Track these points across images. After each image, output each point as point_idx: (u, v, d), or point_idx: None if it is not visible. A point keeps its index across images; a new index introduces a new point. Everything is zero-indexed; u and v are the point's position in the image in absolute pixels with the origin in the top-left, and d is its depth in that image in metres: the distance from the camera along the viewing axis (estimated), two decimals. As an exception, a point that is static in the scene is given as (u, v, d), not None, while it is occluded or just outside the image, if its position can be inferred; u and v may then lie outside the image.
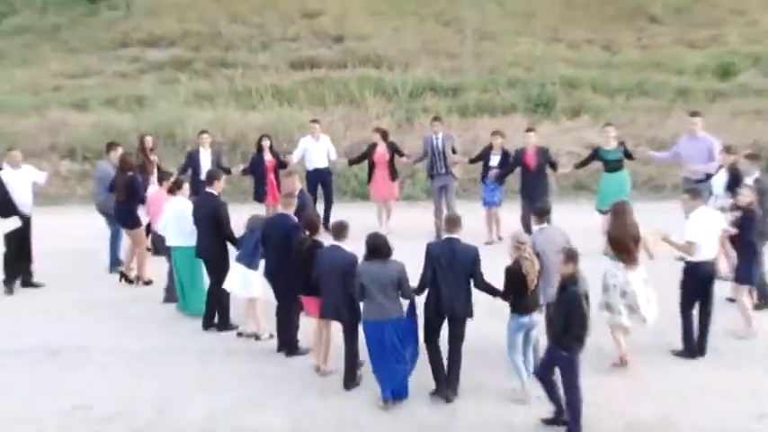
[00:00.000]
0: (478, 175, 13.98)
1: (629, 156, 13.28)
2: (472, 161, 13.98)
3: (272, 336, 10.04)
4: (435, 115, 14.89)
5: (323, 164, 14.13)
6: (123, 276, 12.22)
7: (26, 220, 12.04)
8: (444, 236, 8.73)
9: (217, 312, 10.58)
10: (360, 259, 8.65)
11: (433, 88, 19.38)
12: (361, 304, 8.62)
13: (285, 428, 8.33)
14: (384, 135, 14.00)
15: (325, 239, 9.35)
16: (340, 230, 8.87)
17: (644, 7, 22.37)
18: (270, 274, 9.69)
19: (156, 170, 12.73)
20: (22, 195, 11.95)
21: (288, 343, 9.80)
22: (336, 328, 9.16)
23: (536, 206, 9.52)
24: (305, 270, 8.97)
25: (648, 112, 18.26)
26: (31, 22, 22.37)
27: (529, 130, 13.64)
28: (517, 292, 8.31)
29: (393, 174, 13.91)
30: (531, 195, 12.73)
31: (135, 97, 19.09)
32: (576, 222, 12.00)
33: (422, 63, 20.40)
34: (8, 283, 12.17)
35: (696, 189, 10.12)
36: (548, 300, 8.69)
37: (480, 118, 17.93)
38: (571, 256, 7.91)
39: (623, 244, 9.03)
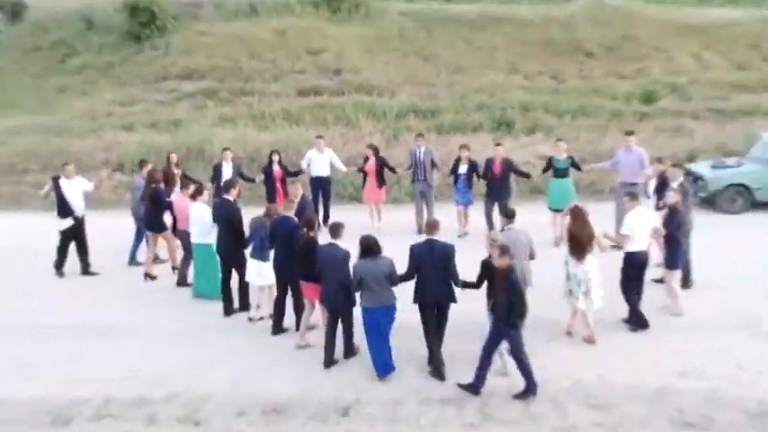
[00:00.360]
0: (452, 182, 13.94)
1: (576, 166, 13.34)
2: (451, 173, 13.84)
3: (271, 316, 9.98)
4: (419, 132, 14.98)
5: (325, 173, 14.12)
6: (148, 276, 12.02)
7: (80, 221, 12.16)
8: (425, 237, 8.63)
9: (237, 298, 10.52)
10: (352, 254, 8.63)
11: (414, 111, 19.32)
12: (357, 295, 8.60)
13: (295, 393, 8.32)
14: (375, 150, 14.01)
15: (325, 236, 9.29)
16: (336, 230, 8.83)
17: (583, 45, 22.38)
18: (278, 265, 9.60)
19: (179, 181, 12.55)
20: (75, 200, 12.06)
21: (280, 324, 9.80)
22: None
23: (505, 210, 9.45)
24: (304, 260, 8.96)
25: (589, 130, 18.25)
26: (89, 61, 22.29)
27: (497, 144, 13.74)
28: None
29: (381, 182, 13.88)
30: (496, 197, 12.97)
31: (172, 121, 19.01)
32: (534, 220, 12.06)
33: (405, 91, 20.37)
34: (59, 267, 12.24)
35: (634, 192, 10.21)
36: None
37: (454, 135, 17.86)
38: (504, 249, 7.93)
39: (580, 243, 9.07)
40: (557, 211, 12.81)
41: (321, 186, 14.17)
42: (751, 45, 22.43)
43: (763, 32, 22.81)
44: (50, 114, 19.75)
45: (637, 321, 9.64)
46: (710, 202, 14.87)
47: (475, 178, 13.47)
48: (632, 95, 19.99)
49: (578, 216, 9.18)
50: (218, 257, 10.61)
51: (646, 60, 21.84)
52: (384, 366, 8.56)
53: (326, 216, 14.01)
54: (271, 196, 13.41)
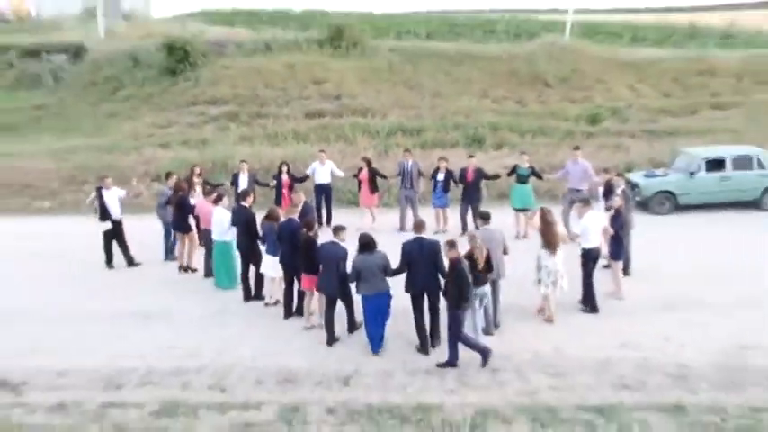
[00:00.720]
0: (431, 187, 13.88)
1: (537, 175, 13.38)
2: (430, 179, 13.76)
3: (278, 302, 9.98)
4: (406, 148, 14.97)
5: (326, 180, 14.02)
6: (183, 268, 11.86)
7: (117, 223, 12.13)
8: (414, 235, 8.56)
9: (253, 287, 10.46)
10: (348, 252, 8.63)
11: (402, 130, 19.26)
12: (353, 285, 8.61)
13: (304, 366, 8.33)
14: (368, 162, 13.89)
15: (328, 235, 9.24)
16: (337, 230, 8.83)
17: (541, 77, 22.40)
18: (284, 261, 9.47)
19: (202, 188, 12.49)
20: (112, 207, 12.07)
21: (290, 309, 9.75)
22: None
23: (481, 213, 9.37)
24: (305, 256, 8.93)
25: (546, 146, 18.26)
26: (134, 92, 22.21)
27: (470, 156, 13.71)
28: (472, 271, 8.14)
29: (373, 188, 13.76)
30: (469, 200, 13.05)
31: (200, 139, 18.91)
32: (503, 220, 11.96)
33: (394, 113, 20.31)
34: (108, 262, 12.23)
35: (587, 199, 10.28)
36: (494, 277, 8.77)
37: (435, 150, 17.82)
38: (452, 244, 7.97)
39: (551, 240, 9.13)
40: (518, 210, 13.11)
41: (323, 192, 14.10)
42: (674, 79, 22.56)
43: (683, 68, 22.95)
44: (102, 136, 19.66)
45: (591, 306, 9.66)
46: (644, 206, 14.91)
47: (452, 184, 13.41)
48: (581, 118, 20.03)
49: (547, 217, 9.18)
50: (235, 253, 10.64)
51: (591, 90, 21.90)
52: (378, 343, 8.55)
53: (329, 218, 13.96)
54: (278, 200, 13.27)
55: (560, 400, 7.39)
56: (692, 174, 14.73)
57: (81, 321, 9.74)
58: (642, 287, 10.36)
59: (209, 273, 11.27)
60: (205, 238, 11.33)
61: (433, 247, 8.34)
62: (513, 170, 13.41)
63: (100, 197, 12.01)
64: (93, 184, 16.42)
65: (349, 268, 8.58)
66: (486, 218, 9.11)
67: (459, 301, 7.80)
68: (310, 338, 9.03)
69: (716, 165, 14.78)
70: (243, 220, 10.29)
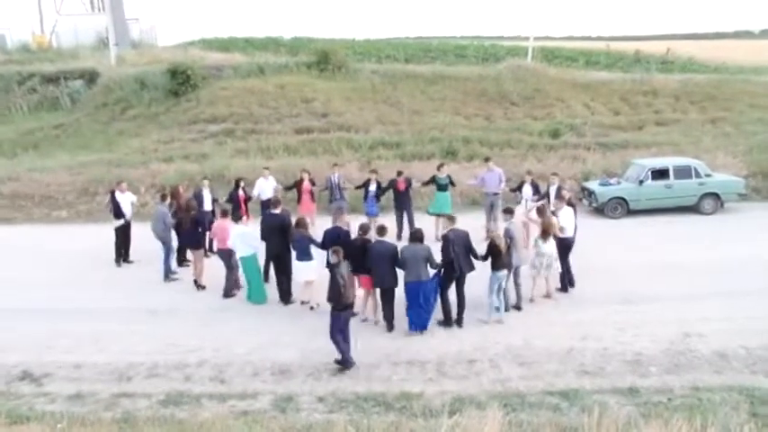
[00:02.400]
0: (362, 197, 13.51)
1: (452, 183, 13.43)
2: (358, 188, 13.44)
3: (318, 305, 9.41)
4: (335, 162, 14.45)
5: (271, 195, 13.05)
6: (201, 286, 10.88)
7: (128, 223, 12.25)
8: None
9: (284, 290, 10.04)
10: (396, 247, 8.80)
11: (383, 144, 19.12)
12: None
13: (297, 359, 8.26)
14: (308, 174, 13.49)
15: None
16: (381, 230, 8.88)
17: (507, 95, 22.43)
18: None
19: (213, 207, 12.22)
20: (125, 208, 12.23)
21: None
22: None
23: (506, 208, 9.74)
24: (361, 258, 8.72)
25: (513, 157, 18.21)
26: (141, 112, 21.86)
27: (399, 173, 13.36)
28: (495, 258, 8.73)
29: (313, 198, 13.46)
30: (402, 207, 13.10)
31: (200, 154, 18.64)
32: (470, 225, 11.95)
33: (376, 129, 20.19)
34: (117, 260, 12.24)
35: (568, 197, 10.70)
36: (517, 264, 9.31)
37: (413, 162, 17.77)
38: (335, 250, 8.03)
39: (548, 229, 9.49)
40: (436, 215, 12.94)
41: (269, 206, 12.88)
42: (622, 98, 22.76)
43: (630, 89, 23.21)
44: (113, 152, 19.35)
45: (569, 281, 10.09)
46: (599, 211, 15.02)
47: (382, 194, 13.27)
48: (543, 132, 20.05)
49: (544, 211, 9.69)
50: (259, 266, 10.03)
51: (552, 107, 22.00)
52: (418, 325, 8.63)
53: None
54: (237, 216, 11.77)
55: (529, 387, 7.40)
56: (641, 182, 14.86)
57: (93, 318, 9.60)
58: (601, 284, 10.41)
59: (229, 293, 10.38)
60: (225, 259, 10.34)
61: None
62: (431, 180, 13.38)
63: (113, 198, 12.18)
64: (105, 195, 16.25)
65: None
66: (510, 212, 9.48)
67: (336, 304, 7.75)
68: (303, 334, 8.92)
69: (661, 174, 14.92)
70: (278, 225, 9.80)
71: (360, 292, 8.99)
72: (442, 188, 13.25)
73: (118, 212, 12.17)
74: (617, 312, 9.37)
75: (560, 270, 10.00)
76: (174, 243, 11.48)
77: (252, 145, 19.16)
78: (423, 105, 21.74)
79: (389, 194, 13.44)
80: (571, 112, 21.69)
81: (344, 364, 7.87)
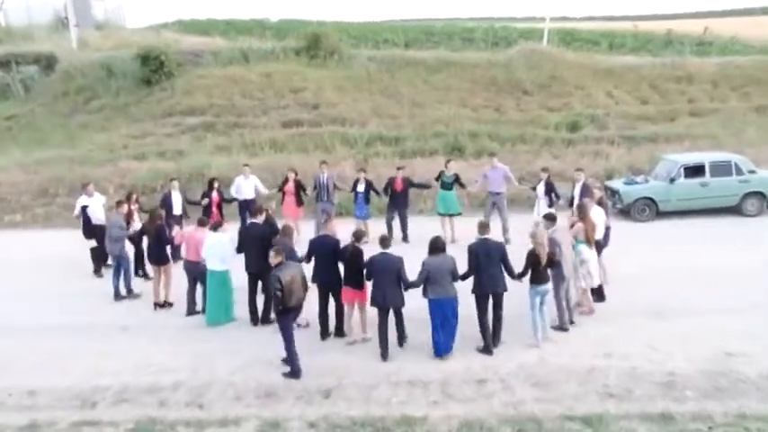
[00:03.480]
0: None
1: (460, 183, 13.60)
2: (352, 191, 13.59)
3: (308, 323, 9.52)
4: (323, 160, 14.45)
5: (250, 196, 13.46)
6: (159, 305, 10.66)
7: (101, 228, 11.99)
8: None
9: (266, 309, 9.82)
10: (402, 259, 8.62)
11: (381, 139, 19.20)
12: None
13: (284, 379, 8.21)
14: (295, 174, 13.58)
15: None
16: (384, 241, 8.67)
17: (519, 84, 22.44)
18: (318, 277, 9.09)
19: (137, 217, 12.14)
20: (96, 212, 12.30)
21: (326, 327, 9.39)
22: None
23: (548, 214, 9.89)
24: (351, 269, 8.78)
25: (526, 153, 18.32)
26: (108, 102, 21.84)
27: (399, 168, 13.70)
28: (532, 270, 8.67)
29: (299, 201, 13.51)
30: (396, 208, 13.29)
31: (177, 150, 18.68)
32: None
33: (373, 122, 20.23)
34: (97, 270, 12.30)
35: (603, 198, 10.81)
36: (566, 275, 9.23)
37: (415, 159, 17.87)
38: (276, 251, 8.17)
39: (592, 234, 9.51)
40: (443, 215, 13.31)
41: (248, 209, 13.06)
42: (651, 85, 22.77)
43: (660, 75, 23.17)
44: (75, 148, 19.30)
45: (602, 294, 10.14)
46: (625, 213, 15.02)
47: (374, 195, 13.51)
48: (560, 125, 20.10)
49: (585, 214, 9.65)
50: (230, 283, 9.86)
51: (570, 96, 22.01)
52: (444, 348, 8.52)
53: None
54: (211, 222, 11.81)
55: (545, 411, 7.34)
56: (672, 180, 14.88)
57: (54, 336, 9.53)
58: (626, 295, 10.37)
59: (192, 310, 10.25)
60: (190, 270, 10.23)
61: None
62: (439, 177, 13.62)
63: (85, 215, 12.20)
64: (66, 197, 16.34)
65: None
66: (553, 219, 9.51)
67: (273, 308, 8.03)
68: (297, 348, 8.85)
69: (695, 171, 14.93)
70: (259, 237, 9.58)
71: (349, 311, 9.04)
72: (446, 187, 13.39)
73: (89, 229, 12.08)
74: (645, 326, 9.33)
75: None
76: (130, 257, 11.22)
77: (235, 140, 19.18)
78: (425, 96, 21.77)
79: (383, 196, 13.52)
80: (592, 101, 21.71)
81: (293, 374, 8.14)
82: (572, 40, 30.23)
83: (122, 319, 10.14)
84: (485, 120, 20.51)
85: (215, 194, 13.00)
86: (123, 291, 11.10)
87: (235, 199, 13.49)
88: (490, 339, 8.67)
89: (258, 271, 9.59)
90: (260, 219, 10.05)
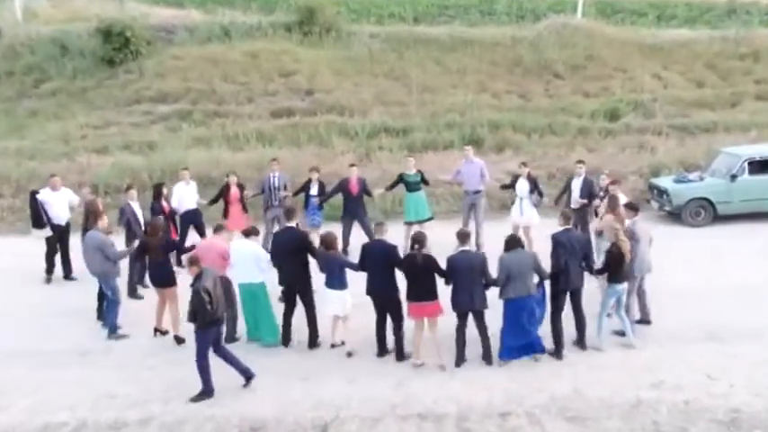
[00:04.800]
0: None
1: (425, 181, 13.64)
2: (296, 193, 13.49)
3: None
4: (273, 157, 14.27)
5: (193, 205, 13.23)
6: (158, 331, 10.37)
7: (64, 228, 12.39)
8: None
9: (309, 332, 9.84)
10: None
11: (386, 130, 19.17)
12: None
13: (272, 412, 8.20)
14: (237, 177, 13.41)
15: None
16: (464, 237, 9.18)
17: (549, 65, 22.43)
18: (373, 290, 9.26)
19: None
20: (59, 211, 12.33)
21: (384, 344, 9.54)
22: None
23: (630, 204, 10.45)
24: (423, 278, 8.92)
25: (557, 146, 18.31)
26: (63, 86, 21.85)
27: (352, 165, 13.74)
28: (614, 267, 9.08)
29: (245, 208, 13.32)
30: (353, 215, 13.18)
31: (147, 143, 18.69)
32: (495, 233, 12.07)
33: (377, 110, 20.23)
34: (48, 273, 12.49)
35: (635, 204, 10.75)
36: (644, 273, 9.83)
37: (426, 153, 17.84)
38: (191, 260, 8.46)
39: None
40: (411, 223, 13.19)
41: (191, 221, 13.03)
42: (708, 64, 22.71)
43: (720, 52, 23.08)
44: (23, 138, 19.33)
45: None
46: (675, 216, 14.98)
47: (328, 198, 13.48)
48: (597, 113, 20.07)
49: (615, 203, 10.27)
50: (268, 297, 9.83)
51: (609, 80, 21.99)
52: (521, 351, 8.99)
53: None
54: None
55: (583, 451, 7.34)
56: (733, 177, 14.86)
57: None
58: (677, 314, 10.34)
59: (232, 336, 9.97)
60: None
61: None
62: (399, 179, 13.53)
63: (33, 200, 12.21)
64: (11, 197, 16.44)
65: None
66: (634, 209, 10.06)
67: (198, 322, 8.24)
68: (281, 378, 8.90)
69: (762, 166, 14.91)
70: (295, 244, 9.59)
71: (419, 328, 9.10)
72: (413, 188, 13.36)
73: (38, 219, 12.23)
74: (701, 352, 9.30)
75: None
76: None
77: (215, 132, 19.23)
78: (437, 80, 21.79)
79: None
80: (636, 85, 21.70)
81: (206, 395, 8.46)
82: (612, 11, 30.05)
83: (82, 343, 10.13)
84: (507, 107, 20.51)
85: (165, 203, 12.42)
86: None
87: (175, 212, 12.78)
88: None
89: (294, 283, 9.72)
90: (293, 222, 9.97)
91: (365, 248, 9.58)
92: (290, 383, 8.77)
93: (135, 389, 8.76)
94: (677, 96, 21.03)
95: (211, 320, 8.33)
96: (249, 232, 10.00)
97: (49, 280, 12.52)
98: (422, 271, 8.88)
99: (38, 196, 12.35)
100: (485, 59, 22.70)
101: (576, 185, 12.58)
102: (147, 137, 19.15)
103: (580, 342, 9.41)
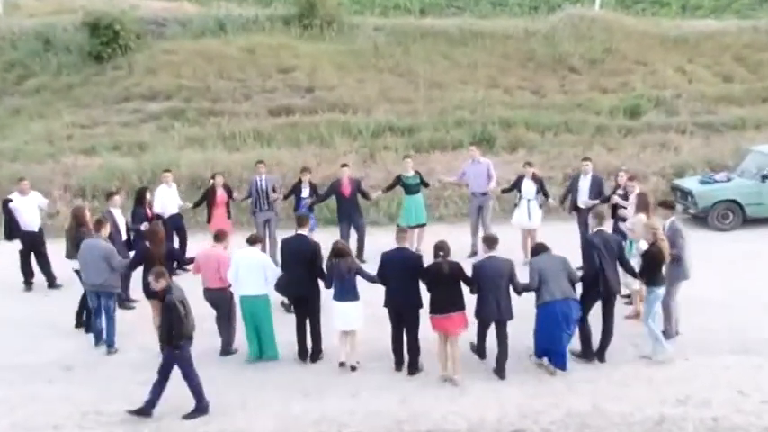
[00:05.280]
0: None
1: (424, 183, 13.80)
2: (287, 196, 13.63)
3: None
4: (259, 160, 14.24)
5: (175, 209, 13.23)
6: None
7: (38, 235, 12.55)
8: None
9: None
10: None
11: (391, 129, 19.17)
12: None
13: (273, 428, 8.20)
14: (223, 179, 13.52)
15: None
16: (491, 242, 9.11)
17: (564, 59, 22.43)
18: (392, 301, 9.21)
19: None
20: (30, 216, 12.45)
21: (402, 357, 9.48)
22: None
23: (667, 202, 10.66)
24: (452, 286, 8.93)
25: (573, 146, 18.28)
26: (47, 82, 21.93)
27: (344, 165, 13.77)
28: (655, 269, 9.11)
29: (229, 212, 13.43)
30: (349, 220, 13.23)
31: (136, 143, 18.73)
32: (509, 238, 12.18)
33: (381, 108, 20.22)
34: (27, 283, 12.63)
35: (671, 202, 11.12)
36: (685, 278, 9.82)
37: (433, 153, 17.89)
38: (159, 274, 8.37)
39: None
40: (412, 227, 13.14)
41: (174, 226, 12.93)
42: (736, 57, 22.69)
43: (749, 43, 23.06)
44: (4, 139, 19.42)
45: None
46: (700, 219, 14.94)
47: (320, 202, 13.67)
48: (616, 110, 20.07)
49: (646, 201, 10.45)
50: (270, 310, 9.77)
51: (629, 74, 21.96)
52: (562, 357, 9.07)
53: (184, 261, 11.46)
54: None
55: (603, 471, 7.31)
56: (764, 178, 14.87)
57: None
58: (703, 324, 10.30)
59: (229, 348, 10.01)
60: (219, 302, 9.88)
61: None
62: (397, 181, 13.65)
63: (4, 209, 12.34)
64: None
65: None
66: (670, 207, 10.29)
67: (170, 339, 8.19)
68: (280, 392, 8.89)
69: (796, 166, 14.89)
70: (305, 253, 9.57)
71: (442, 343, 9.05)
72: (411, 190, 13.45)
73: (11, 231, 12.32)
74: (731, 366, 9.27)
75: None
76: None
77: (210, 131, 19.27)
78: (445, 75, 21.82)
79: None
80: (658, 80, 21.69)
81: (145, 412, 8.35)
82: (632, 2, 30.14)
83: (66, 356, 10.10)
84: (520, 104, 20.54)
85: (148, 210, 12.30)
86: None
87: (159, 216, 12.56)
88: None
89: (305, 294, 9.67)
90: (305, 230, 9.99)
91: (386, 258, 9.33)
92: (289, 398, 8.74)
93: (124, 405, 8.67)
94: (703, 91, 21.01)
95: (187, 336, 8.32)
96: (254, 240, 9.94)
97: (29, 287, 12.58)
98: (448, 280, 8.82)
99: (10, 205, 12.40)
100: (496, 53, 22.72)
101: (584, 185, 12.65)
102: (137, 137, 19.18)
103: (601, 354, 9.38)
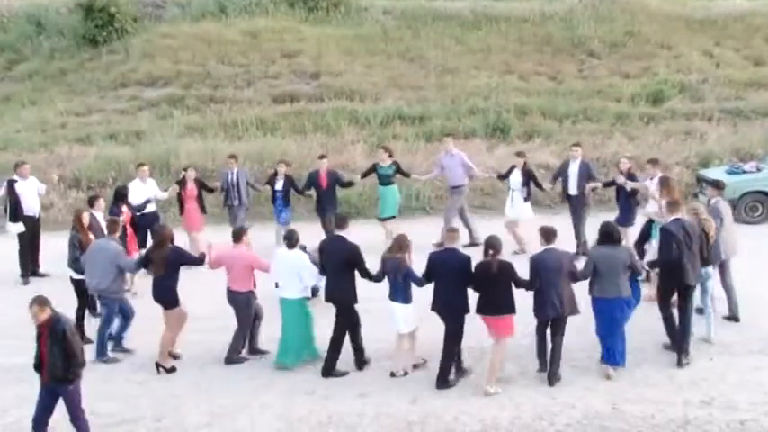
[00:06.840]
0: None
1: (404, 173, 13.98)
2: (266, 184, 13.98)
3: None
4: (231, 154, 14.25)
5: (152, 208, 13.11)
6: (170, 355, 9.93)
7: (36, 221, 12.87)
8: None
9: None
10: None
11: (401, 117, 19.22)
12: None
13: (273, 429, 8.19)
14: (195, 172, 13.60)
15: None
16: (549, 235, 8.99)
17: (583, 43, 22.42)
18: (440, 304, 9.03)
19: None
20: (30, 200, 12.73)
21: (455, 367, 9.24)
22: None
23: (715, 180, 11.21)
24: (506, 288, 8.77)
25: (592, 134, 18.26)
26: (39, 67, 22.07)
27: (321, 156, 13.89)
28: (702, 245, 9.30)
29: (202, 207, 13.45)
30: (324, 211, 13.37)
31: (134, 132, 18.80)
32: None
33: (390, 95, 20.26)
34: (24, 275, 12.71)
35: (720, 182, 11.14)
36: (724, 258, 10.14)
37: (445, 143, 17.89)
38: (42, 302, 7.75)
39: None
40: (385, 219, 13.41)
41: (149, 224, 12.47)
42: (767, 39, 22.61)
43: (781, 25, 22.97)
44: (-7, 127, 19.57)
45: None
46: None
47: (293, 193, 13.67)
48: (638, 97, 20.02)
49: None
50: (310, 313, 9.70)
51: (652, 59, 21.92)
52: (622, 355, 9.06)
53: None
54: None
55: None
56: (795, 168, 14.81)
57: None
58: (731, 323, 10.32)
59: (235, 356, 9.82)
60: (242, 304, 9.75)
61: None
62: (373, 169, 13.79)
63: (10, 190, 12.47)
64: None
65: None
66: (719, 186, 10.65)
67: (63, 374, 7.60)
68: (282, 394, 8.92)
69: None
70: (344, 256, 9.31)
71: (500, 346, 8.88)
72: (385, 181, 13.57)
73: (16, 213, 12.51)
74: (759, 366, 9.25)
75: None
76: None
77: (210, 119, 19.34)
78: (458, 61, 21.81)
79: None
80: (683, 64, 21.64)
81: None
82: (656, -19, 30.04)
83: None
84: (537, 91, 20.53)
85: (125, 209, 12.13)
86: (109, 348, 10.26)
87: (140, 209, 12.66)
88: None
89: (338, 299, 9.47)
90: (344, 231, 9.68)
91: (433, 259, 9.14)
92: (295, 399, 8.77)
93: (122, 407, 8.75)
94: (731, 76, 20.95)
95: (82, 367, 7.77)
96: (239, 234, 9.80)
97: (26, 282, 12.64)
98: (497, 280, 8.63)
99: (16, 185, 12.64)
100: (511, 37, 22.73)
101: (573, 170, 12.86)
102: (133, 125, 19.27)
103: (680, 358, 9.25)
